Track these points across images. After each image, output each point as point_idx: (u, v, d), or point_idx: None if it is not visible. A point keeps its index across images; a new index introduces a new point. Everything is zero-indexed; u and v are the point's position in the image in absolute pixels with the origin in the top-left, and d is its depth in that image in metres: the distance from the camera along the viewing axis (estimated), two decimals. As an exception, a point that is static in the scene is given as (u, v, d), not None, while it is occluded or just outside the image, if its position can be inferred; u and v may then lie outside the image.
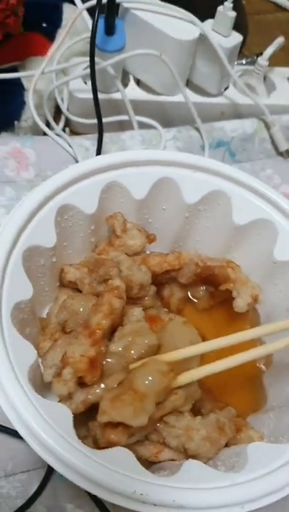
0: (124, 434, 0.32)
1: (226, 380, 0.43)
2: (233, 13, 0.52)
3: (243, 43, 0.69)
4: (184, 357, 0.35)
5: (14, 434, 0.38)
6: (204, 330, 0.45)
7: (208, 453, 0.35)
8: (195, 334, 0.37)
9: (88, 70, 0.50)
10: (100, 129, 0.50)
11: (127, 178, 0.40)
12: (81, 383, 0.35)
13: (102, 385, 0.33)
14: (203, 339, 0.44)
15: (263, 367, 0.44)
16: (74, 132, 0.56)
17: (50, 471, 0.38)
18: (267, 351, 0.39)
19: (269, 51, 0.56)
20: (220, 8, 0.52)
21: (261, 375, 0.43)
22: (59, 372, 0.34)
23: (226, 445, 0.36)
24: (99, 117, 0.50)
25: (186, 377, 0.34)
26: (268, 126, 0.57)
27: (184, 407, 0.34)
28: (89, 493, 0.37)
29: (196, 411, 0.37)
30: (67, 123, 0.56)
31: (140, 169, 0.41)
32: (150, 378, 0.32)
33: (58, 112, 0.57)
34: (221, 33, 0.53)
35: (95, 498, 0.37)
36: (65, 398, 0.34)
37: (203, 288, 0.46)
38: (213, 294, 0.46)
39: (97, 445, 0.33)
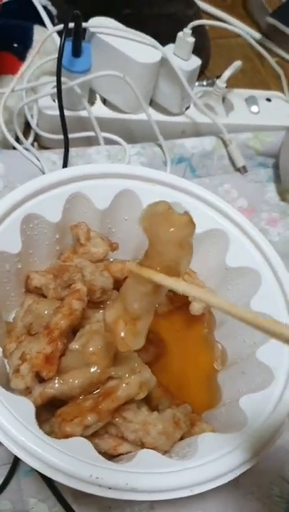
0: (78, 426, 0.34)
1: (183, 379, 0.46)
2: (192, 39, 0.56)
3: (206, 65, 0.74)
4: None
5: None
6: (164, 333, 0.48)
7: (164, 446, 0.37)
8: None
9: (55, 90, 0.53)
10: (66, 144, 0.53)
11: (90, 190, 0.43)
12: (41, 380, 0.37)
13: (60, 380, 0.36)
14: (162, 342, 0.48)
15: (218, 367, 0.47)
16: (43, 147, 0.58)
17: (13, 467, 0.40)
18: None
19: (227, 74, 0.60)
20: (180, 34, 0.56)
21: (216, 374, 0.46)
22: (18, 368, 0.36)
23: (181, 439, 0.39)
24: (65, 133, 0.53)
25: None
26: (225, 144, 0.60)
27: (139, 395, 0.37)
28: (50, 488, 0.39)
29: (153, 408, 0.40)
30: (36, 138, 0.59)
31: (103, 181, 0.44)
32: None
33: (27, 128, 0.59)
34: (181, 56, 0.57)
35: (56, 493, 0.39)
36: (25, 393, 0.36)
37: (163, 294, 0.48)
38: (172, 299, 0.48)
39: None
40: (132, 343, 0.33)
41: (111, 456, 0.38)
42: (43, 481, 0.39)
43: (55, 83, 0.53)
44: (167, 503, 0.39)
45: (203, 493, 0.37)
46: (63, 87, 0.53)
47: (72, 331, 0.40)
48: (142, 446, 0.37)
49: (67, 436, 0.34)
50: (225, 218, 0.45)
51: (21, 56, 0.61)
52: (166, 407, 0.40)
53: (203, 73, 0.73)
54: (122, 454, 0.38)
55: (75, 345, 0.38)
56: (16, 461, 0.40)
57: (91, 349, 0.37)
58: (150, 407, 0.40)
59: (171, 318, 0.49)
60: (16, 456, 0.40)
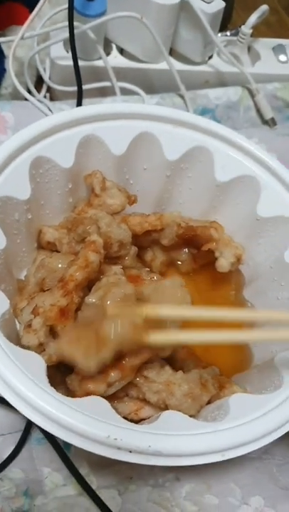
0: (102, 383, 0.31)
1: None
2: (215, -22, 0.51)
3: (229, 17, 0.69)
4: (166, 315, 0.33)
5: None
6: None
7: (189, 409, 0.33)
8: (187, 300, 0.35)
9: (68, 35, 0.49)
10: (80, 91, 0.49)
11: (105, 132, 0.39)
12: (55, 336, 0.34)
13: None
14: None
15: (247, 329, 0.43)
16: (55, 100, 0.54)
17: (25, 434, 0.37)
18: (251, 338, 0.37)
19: (252, 19, 0.55)
20: (202, -27, 0.51)
21: (246, 337, 0.42)
22: (29, 323, 0.33)
23: (209, 403, 0.35)
24: (78, 78, 0.49)
25: (160, 337, 0.32)
26: (252, 95, 0.56)
27: (164, 352, 0.33)
28: (62, 458, 0.35)
29: (178, 370, 0.36)
30: (49, 91, 0.55)
31: (119, 123, 0.39)
32: (119, 327, 0.30)
33: (39, 82, 0.56)
34: (204, -2, 0.52)
35: (68, 464, 0.35)
36: (38, 350, 0.32)
37: (185, 250, 0.44)
38: (196, 257, 0.44)
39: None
40: None
41: (131, 422, 0.34)
42: (55, 451, 0.36)
43: (67, 30, 0.49)
44: (195, 474, 0.35)
45: (235, 462, 0.33)
46: (76, 31, 0.49)
47: (88, 287, 0.37)
48: (166, 409, 0.33)
49: (88, 394, 0.30)
50: (255, 163, 0.41)
51: (32, 7, 0.57)
52: (192, 370, 0.37)
53: (226, 26, 0.68)
54: (144, 420, 0.34)
55: (91, 299, 0.34)
56: (28, 428, 0.37)
57: (109, 302, 0.33)
58: (174, 369, 0.36)
59: (195, 278, 0.45)
60: (27, 422, 0.37)
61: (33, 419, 0.28)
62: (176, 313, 0.33)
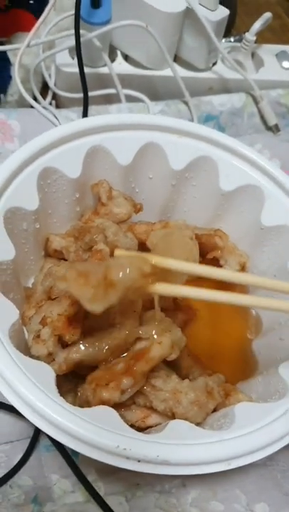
0: (115, 391, 0.31)
1: (214, 349, 0.42)
2: (220, -14, 0.52)
3: (232, 23, 0.70)
4: (173, 268, 0.32)
5: (-2, 405, 0.37)
6: (192, 301, 0.44)
7: (196, 417, 0.34)
8: (195, 253, 0.35)
9: (74, 43, 0.49)
10: (86, 99, 0.49)
11: (111, 142, 0.40)
12: (64, 346, 0.34)
13: (86, 344, 0.33)
14: (192, 309, 0.44)
15: (252, 335, 0.43)
16: (61, 107, 0.55)
17: (34, 441, 0.37)
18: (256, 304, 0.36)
19: (256, 26, 0.56)
20: (206, -19, 0.52)
21: (249, 344, 0.43)
22: (38, 334, 0.33)
23: (214, 411, 0.36)
24: (84, 87, 0.49)
25: (164, 288, 0.31)
26: (256, 101, 0.56)
27: (172, 356, 0.34)
28: (70, 465, 0.36)
29: (184, 378, 0.36)
30: (54, 98, 0.55)
31: (125, 133, 0.40)
32: (127, 271, 0.30)
33: (44, 88, 0.56)
34: (208, 6, 0.53)
35: (76, 471, 0.36)
36: (47, 360, 0.33)
37: (191, 258, 0.45)
38: (200, 263, 0.45)
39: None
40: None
41: (139, 430, 0.35)
42: (63, 458, 0.36)
43: (72, 38, 0.50)
44: (201, 481, 0.36)
45: (240, 469, 0.34)
46: (82, 39, 0.49)
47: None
48: (173, 417, 0.34)
49: (104, 402, 0.31)
50: (259, 172, 0.41)
51: (38, 13, 0.58)
52: (198, 377, 0.37)
53: (229, 31, 0.69)
54: (151, 427, 0.35)
55: (99, 308, 0.35)
56: (37, 435, 0.38)
57: (116, 309, 0.34)
58: (180, 377, 0.36)
59: (200, 284, 0.45)
60: (36, 429, 0.38)
61: (44, 430, 0.28)
62: (184, 267, 0.32)
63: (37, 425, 0.28)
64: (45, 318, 0.33)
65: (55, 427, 0.28)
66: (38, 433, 0.38)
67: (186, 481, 0.36)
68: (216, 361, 0.41)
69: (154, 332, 0.35)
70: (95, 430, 0.28)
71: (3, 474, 0.36)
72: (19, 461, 0.36)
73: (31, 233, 0.39)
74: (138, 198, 0.44)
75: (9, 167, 0.35)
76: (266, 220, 0.41)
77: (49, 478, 0.36)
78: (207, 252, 0.43)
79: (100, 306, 0.29)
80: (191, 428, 0.30)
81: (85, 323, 0.35)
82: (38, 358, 0.33)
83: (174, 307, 0.42)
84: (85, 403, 0.33)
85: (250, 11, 0.73)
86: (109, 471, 0.36)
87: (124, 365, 0.33)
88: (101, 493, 0.35)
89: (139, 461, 0.28)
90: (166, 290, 0.31)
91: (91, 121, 0.39)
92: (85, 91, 0.49)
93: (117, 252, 0.32)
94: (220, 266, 0.43)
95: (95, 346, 0.34)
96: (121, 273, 0.29)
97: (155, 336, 0.34)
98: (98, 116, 0.39)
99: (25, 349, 0.35)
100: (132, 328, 0.35)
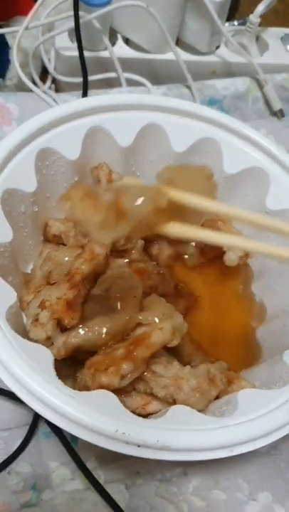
0: (115, 376, 0.30)
1: (216, 336, 0.41)
2: None
3: (236, 7, 0.68)
4: (189, 204, 0.27)
5: (-4, 392, 0.37)
6: (194, 287, 0.43)
7: (198, 404, 0.33)
8: (212, 190, 0.30)
9: (73, 25, 0.48)
10: (85, 82, 0.48)
11: (111, 123, 0.39)
12: (63, 330, 0.33)
13: (85, 328, 0.32)
14: (194, 296, 0.43)
15: (255, 323, 0.42)
16: (60, 92, 0.54)
17: (33, 428, 0.37)
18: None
19: (260, 8, 0.54)
20: None
21: (253, 332, 0.42)
22: (36, 317, 0.33)
23: (216, 398, 0.35)
24: (84, 69, 0.48)
25: (177, 229, 0.27)
26: (260, 85, 0.55)
27: (173, 342, 0.33)
28: (69, 452, 0.35)
29: (185, 365, 0.36)
30: (54, 82, 0.54)
31: (125, 114, 0.39)
32: (140, 201, 0.26)
33: (44, 73, 0.55)
34: (211, -13, 0.52)
35: (75, 458, 0.35)
36: (46, 344, 0.32)
37: (192, 244, 0.44)
38: (203, 251, 0.44)
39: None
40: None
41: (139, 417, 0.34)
42: (62, 445, 0.36)
43: (71, 19, 0.49)
44: (202, 469, 0.35)
45: (243, 458, 0.33)
46: (81, 21, 0.48)
47: (94, 280, 0.36)
48: (173, 403, 0.33)
49: (103, 387, 0.30)
50: (264, 155, 0.40)
51: (37, -3, 0.57)
52: (199, 364, 0.36)
53: (233, 16, 0.67)
54: (151, 414, 0.34)
55: (97, 291, 0.34)
56: (35, 422, 0.37)
57: (115, 294, 0.33)
58: (182, 364, 0.36)
59: (203, 272, 0.44)
60: (35, 416, 0.37)
61: (41, 413, 0.27)
62: (207, 204, 0.28)
63: (34, 408, 0.27)
64: (43, 301, 0.33)
65: (52, 411, 0.27)
66: (37, 420, 0.37)
67: (187, 469, 0.35)
68: (218, 349, 0.40)
69: (154, 318, 0.34)
70: (94, 414, 0.27)
71: (1, 461, 0.35)
72: (18, 448, 0.36)
73: (29, 216, 0.38)
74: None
75: (6, 147, 0.34)
76: (271, 204, 0.40)
77: (48, 466, 0.36)
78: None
79: (109, 236, 0.26)
80: (192, 413, 0.29)
81: (85, 307, 0.34)
82: (36, 342, 0.32)
83: (176, 294, 0.41)
84: (83, 388, 0.32)
85: (254, -5, 0.72)
86: (109, 459, 0.36)
87: (124, 351, 0.32)
88: (101, 480, 0.35)
89: (138, 446, 0.27)
90: (181, 231, 0.27)
91: (90, 101, 0.38)
92: (85, 74, 0.48)
93: (127, 180, 0.28)
94: (223, 252, 0.42)
95: (94, 331, 0.33)
96: (134, 201, 0.25)
97: (156, 321, 0.33)
98: (98, 96, 0.39)
99: (23, 334, 0.34)
100: (133, 314, 0.34)
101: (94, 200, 0.25)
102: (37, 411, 0.27)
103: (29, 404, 0.27)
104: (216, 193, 0.30)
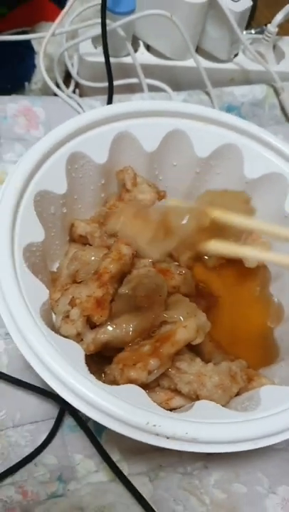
0: (143, 371, 0.32)
1: (235, 336, 0.43)
2: (244, -23, 0.52)
3: (252, 15, 0.69)
4: (233, 223, 0.30)
5: (23, 385, 0.38)
6: (214, 288, 0.45)
7: (220, 400, 0.34)
8: (250, 213, 0.33)
9: (98, 32, 0.50)
10: (110, 88, 0.49)
11: (138, 129, 0.40)
12: (92, 327, 0.35)
13: (113, 325, 0.33)
14: (213, 297, 0.45)
15: (273, 323, 0.43)
16: (83, 96, 0.55)
17: (58, 422, 0.38)
18: None
19: (279, 17, 0.56)
20: (231, -28, 0.52)
21: (271, 332, 0.43)
22: (67, 314, 0.34)
23: (237, 395, 0.36)
24: (109, 74, 0.50)
25: (220, 246, 0.30)
26: (277, 93, 0.56)
27: (197, 340, 0.34)
28: (94, 445, 0.36)
29: (206, 363, 0.37)
30: (77, 87, 0.56)
31: (151, 120, 0.40)
32: (186, 220, 0.29)
33: (67, 78, 0.57)
34: (232, -3, 0.53)
35: (101, 450, 0.36)
36: (76, 340, 0.34)
37: (213, 246, 0.45)
38: (223, 252, 0.45)
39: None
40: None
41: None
42: (88, 438, 0.37)
43: (96, 27, 0.50)
44: (223, 463, 0.36)
45: (262, 452, 0.34)
46: (107, 29, 0.49)
47: (121, 279, 0.38)
48: (196, 399, 0.34)
49: (131, 382, 0.31)
50: (284, 161, 0.41)
51: (61, 4, 0.58)
52: (220, 362, 0.37)
53: (249, 24, 0.69)
54: (174, 409, 0.35)
55: (124, 290, 0.35)
56: (61, 416, 0.38)
57: (142, 293, 0.34)
58: (203, 361, 0.37)
59: (222, 272, 0.46)
60: (60, 410, 0.38)
61: (75, 405, 0.29)
62: (247, 223, 0.31)
63: (69, 401, 0.29)
64: (74, 299, 0.34)
65: (87, 404, 0.29)
66: (62, 414, 0.38)
67: (208, 463, 0.36)
68: (237, 347, 0.42)
69: (179, 316, 0.35)
70: (126, 407, 0.28)
71: (28, 453, 0.36)
72: (44, 441, 0.37)
73: (58, 217, 0.39)
74: (161, 186, 0.45)
75: (39, 150, 0.36)
76: (290, 208, 0.41)
77: (73, 458, 0.37)
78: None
79: (157, 251, 0.29)
80: (218, 408, 0.31)
81: (112, 305, 0.35)
82: (66, 337, 0.33)
83: (197, 293, 0.43)
84: (111, 383, 0.33)
85: (269, 3, 0.73)
86: (133, 452, 0.37)
87: (151, 347, 0.34)
88: (125, 473, 0.36)
89: (168, 437, 0.28)
90: (222, 248, 0.30)
91: (118, 107, 0.39)
92: (110, 80, 0.50)
93: (172, 201, 0.31)
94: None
95: (122, 328, 0.34)
96: (180, 220, 0.28)
97: (181, 320, 0.35)
98: (125, 103, 0.40)
99: (52, 330, 0.35)
100: (158, 312, 0.35)
101: (144, 218, 0.28)
102: (71, 403, 0.29)
103: (65, 398, 0.29)
104: (254, 216, 0.32)
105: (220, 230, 0.30)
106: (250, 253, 0.30)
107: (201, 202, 0.31)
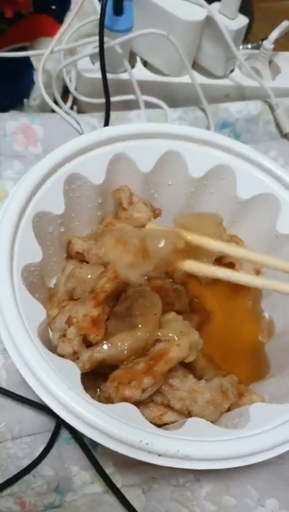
0: (137, 389, 0.33)
1: (227, 350, 0.44)
2: (240, -4, 0.53)
3: (249, 29, 0.70)
4: (206, 246, 0.32)
5: (21, 399, 0.39)
6: (207, 303, 0.46)
7: (211, 416, 0.36)
8: (222, 234, 0.36)
9: (96, 50, 0.51)
10: (108, 105, 0.51)
11: (134, 151, 0.41)
12: (88, 345, 0.36)
13: (108, 344, 0.35)
14: (206, 312, 0.46)
15: (264, 338, 0.45)
16: (81, 112, 0.56)
17: (55, 434, 0.39)
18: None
19: (274, 34, 0.57)
20: (226, -9, 0.53)
21: (262, 346, 0.44)
22: (64, 333, 0.35)
23: (228, 410, 0.37)
24: (106, 93, 0.51)
25: (193, 266, 0.32)
26: (272, 109, 0.57)
27: (189, 357, 0.35)
28: (89, 458, 0.38)
29: (198, 379, 0.38)
30: (75, 103, 0.57)
31: (147, 142, 0.42)
32: (162, 244, 0.30)
33: (65, 93, 0.58)
34: (227, 15, 0.54)
35: (95, 463, 0.38)
36: (72, 358, 0.35)
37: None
38: (216, 268, 0.46)
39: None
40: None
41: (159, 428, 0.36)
42: (82, 451, 0.38)
43: (94, 44, 0.51)
44: (214, 476, 0.38)
45: (252, 466, 0.35)
46: (105, 46, 0.50)
47: (116, 297, 0.39)
48: (189, 415, 0.36)
49: (126, 400, 0.32)
50: (275, 181, 0.43)
51: (60, 18, 0.59)
52: (212, 378, 0.39)
53: (246, 38, 0.70)
54: (167, 424, 0.37)
55: (120, 309, 0.36)
56: (58, 429, 0.39)
57: (137, 311, 0.36)
58: (195, 377, 0.38)
59: (215, 288, 0.47)
60: (57, 423, 0.39)
61: (70, 423, 0.30)
62: (218, 246, 0.33)
63: (64, 419, 0.30)
64: (70, 318, 0.35)
65: (82, 421, 0.30)
66: (59, 427, 0.39)
67: (199, 476, 0.38)
68: (228, 362, 0.43)
69: (172, 334, 0.37)
70: (120, 425, 0.30)
71: (26, 464, 0.38)
72: (41, 453, 0.38)
73: (56, 236, 0.40)
74: (157, 204, 0.46)
75: (38, 173, 0.37)
76: (281, 228, 0.42)
77: (69, 470, 0.38)
78: (223, 257, 0.45)
79: (136, 274, 0.30)
80: (208, 426, 0.32)
81: (108, 324, 0.36)
82: (63, 356, 0.34)
83: (190, 309, 0.44)
84: (106, 400, 0.35)
85: (266, 17, 0.74)
86: (127, 465, 0.38)
87: (145, 365, 0.35)
88: (119, 484, 0.37)
89: (159, 455, 0.30)
90: (195, 267, 0.32)
91: (114, 130, 0.41)
92: (107, 97, 0.51)
93: (150, 225, 0.33)
94: (236, 270, 0.45)
95: (117, 347, 0.35)
96: (157, 244, 0.30)
97: (174, 338, 0.36)
98: (121, 126, 0.41)
99: (49, 346, 0.37)
100: (153, 331, 0.37)
101: (124, 245, 0.30)
102: (69, 422, 0.30)
103: (59, 414, 0.30)
104: (225, 236, 0.35)
105: (194, 251, 0.32)
106: (221, 274, 0.32)
107: (176, 223, 0.34)
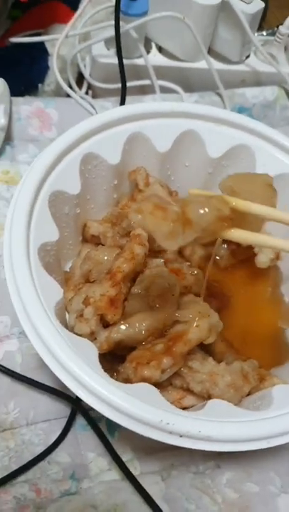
0: (156, 370, 0.32)
1: (246, 336, 0.43)
2: (256, -21, 0.52)
3: (264, 16, 0.70)
4: (254, 213, 0.29)
5: (36, 384, 0.38)
6: (226, 288, 0.45)
7: (232, 399, 0.34)
8: (274, 203, 0.31)
9: (110, 34, 0.50)
10: (124, 89, 0.50)
11: (150, 130, 0.40)
12: (105, 326, 0.35)
13: (126, 324, 0.34)
14: (225, 297, 0.45)
15: (285, 324, 0.43)
16: (95, 97, 0.56)
17: (71, 420, 0.38)
18: None
19: (290, 19, 0.56)
20: (243, -26, 0.52)
21: (282, 331, 0.43)
22: (81, 313, 0.34)
23: (248, 394, 0.36)
24: (122, 76, 0.50)
25: (240, 235, 0.29)
26: (288, 94, 0.56)
27: (209, 339, 0.34)
28: (105, 445, 0.37)
29: (218, 363, 0.37)
30: (89, 88, 0.56)
31: (164, 121, 0.41)
32: (205, 210, 0.28)
33: (80, 79, 0.57)
34: (244, -1, 0.53)
35: (111, 450, 0.37)
36: (90, 338, 0.34)
37: (224, 246, 0.45)
38: (234, 252, 0.45)
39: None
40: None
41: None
42: (98, 438, 0.37)
43: (109, 29, 0.51)
44: (234, 463, 0.36)
45: (275, 452, 0.34)
46: (120, 31, 0.50)
47: (134, 279, 0.38)
48: (208, 398, 0.35)
49: (145, 380, 0.31)
50: (295, 161, 0.41)
51: (74, 6, 0.59)
52: (232, 362, 0.38)
53: (260, 25, 0.69)
54: (186, 408, 0.36)
55: (137, 289, 0.36)
56: (73, 415, 0.38)
57: (154, 292, 0.35)
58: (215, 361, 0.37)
59: (234, 273, 0.46)
60: (72, 408, 0.39)
61: (89, 403, 0.29)
62: (267, 212, 0.29)
63: (83, 399, 0.29)
64: (87, 298, 0.34)
65: (101, 401, 0.29)
66: (74, 412, 0.38)
67: (220, 462, 0.36)
68: (248, 347, 0.42)
69: (191, 316, 0.36)
70: (140, 405, 0.28)
71: (41, 451, 0.37)
72: (57, 439, 0.37)
73: (72, 218, 0.39)
74: (173, 186, 0.45)
75: (53, 152, 0.36)
76: (302, 209, 0.41)
77: (85, 456, 0.37)
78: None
79: (176, 244, 0.27)
80: (231, 407, 0.31)
81: (125, 304, 0.36)
82: (80, 336, 0.34)
83: (209, 293, 0.43)
84: (124, 381, 0.33)
85: (281, 4, 0.73)
86: (145, 451, 0.37)
87: (164, 346, 0.34)
88: (137, 472, 0.36)
89: (181, 436, 0.29)
90: (243, 237, 0.29)
91: (131, 108, 0.40)
92: (124, 81, 0.50)
93: (193, 191, 0.30)
94: (254, 254, 0.44)
95: (135, 327, 0.34)
96: (199, 212, 0.27)
97: (194, 319, 0.35)
98: (137, 104, 0.40)
99: (65, 328, 0.36)
100: (171, 312, 0.36)
101: (163, 212, 0.27)
102: (86, 401, 0.29)
103: (78, 395, 0.29)
104: (276, 199, 0.31)
105: (241, 218, 0.29)
106: (273, 243, 0.29)
107: (223, 187, 0.30)
